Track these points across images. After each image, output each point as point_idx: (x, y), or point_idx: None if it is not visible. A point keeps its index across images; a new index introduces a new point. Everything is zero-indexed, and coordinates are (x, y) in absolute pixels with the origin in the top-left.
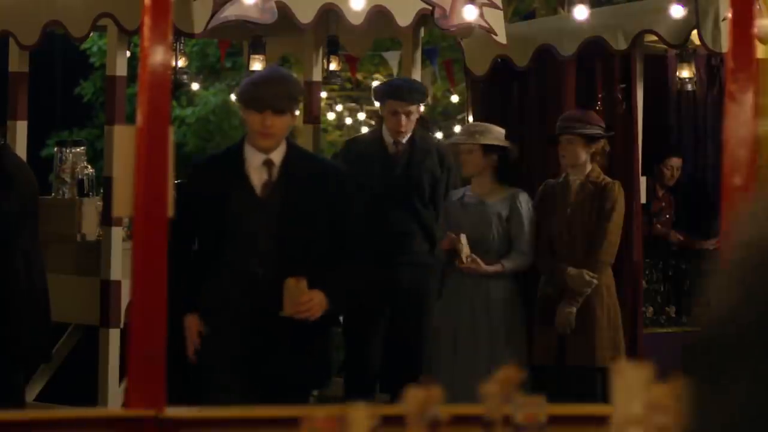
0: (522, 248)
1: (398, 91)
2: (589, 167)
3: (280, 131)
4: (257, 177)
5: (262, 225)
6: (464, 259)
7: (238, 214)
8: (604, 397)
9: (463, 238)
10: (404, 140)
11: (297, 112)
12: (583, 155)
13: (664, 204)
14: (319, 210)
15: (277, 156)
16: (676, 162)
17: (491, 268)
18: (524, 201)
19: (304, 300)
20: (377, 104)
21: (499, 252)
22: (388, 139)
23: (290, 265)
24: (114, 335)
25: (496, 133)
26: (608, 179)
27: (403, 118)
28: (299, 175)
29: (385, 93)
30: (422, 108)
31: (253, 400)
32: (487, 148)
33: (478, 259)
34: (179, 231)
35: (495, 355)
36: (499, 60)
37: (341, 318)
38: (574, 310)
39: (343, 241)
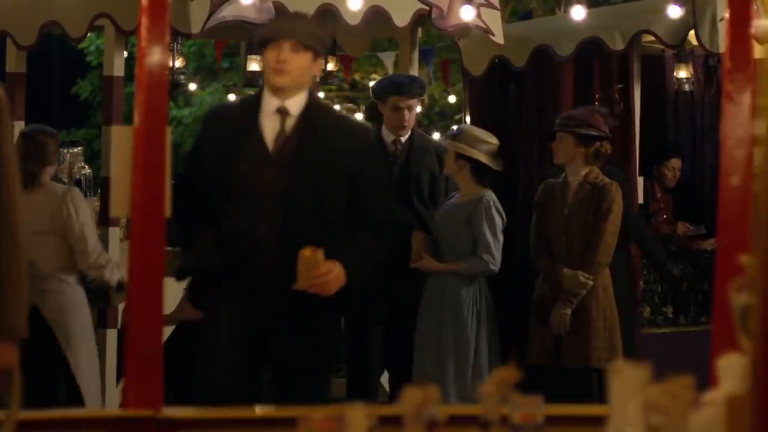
0: (480, 252)
1: (400, 87)
2: (586, 168)
3: (296, 70)
4: (270, 126)
5: (270, 182)
6: (413, 258)
7: (245, 168)
8: (599, 399)
9: (418, 237)
10: (403, 139)
11: (321, 60)
12: (573, 154)
13: (662, 205)
14: (337, 171)
15: (294, 105)
16: (676, 163)
17: (440, 266)
18: (487, 205)
19: (320, 273)
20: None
21: (463, 254)
22: (387, 137)
23: (298, 231)
24: (111, 335)
25: (476, 143)
26: (606, 180)
27: (406, 112)
28: (317, 129)
29: (386, 89)
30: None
31: (259, 380)
32: (459, 154)
33: (427, 257)
34: (181, 184)
35: (439, 353)
36: (497, 60)
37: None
38: (569, 311)
39: (366, 210)
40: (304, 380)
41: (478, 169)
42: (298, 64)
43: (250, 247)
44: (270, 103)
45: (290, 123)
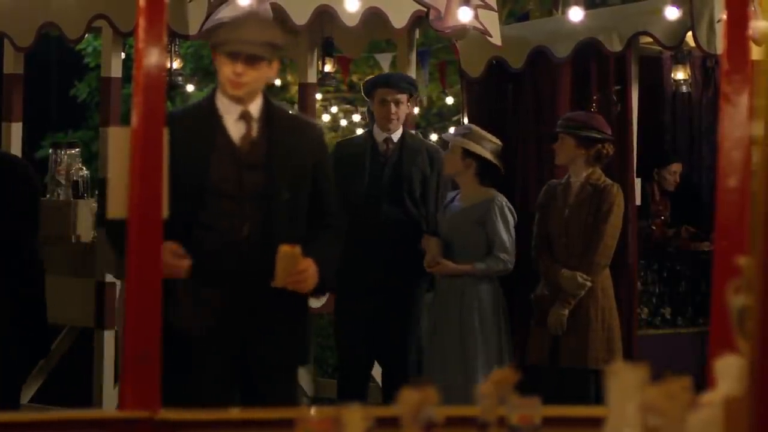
0: (496, 252)
1: (386, 79)
2: (588, 169)
3: (252, 81)
4: (236, 131)
5: (246, 185)
6: (427, 262)
7: (220, 173)
8: (596, 399)
9: (432, 241)
10: (395, 138)
11: (276, 64)
12: (574, 156)
13: (660, 207)
14: (303, 169)
15: (255, 109)
16: (677, 168)
17: (458, 268)
18: (500, 205)
19: (300, 269)
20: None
21: (476, 255)
22: (378, 137)
23: (276, 229)
24: (109, 337)
25: (484, 141)
26: (608, 181)
27: (392, 106)
28: (280, 130)
29: (373, 83)
30: (415, 108)
31: (234, 376)
32: (467, 152)
33: (444, 261)
34: None
35: (465, 357)
36: (494, 62)
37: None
38: (566, 312)
39: (324, 206)
40: (279, 379)
41: (484, 169)
42: (254, 75)
43: (231, 249)
44: (231, 109)
45: (255, 126)
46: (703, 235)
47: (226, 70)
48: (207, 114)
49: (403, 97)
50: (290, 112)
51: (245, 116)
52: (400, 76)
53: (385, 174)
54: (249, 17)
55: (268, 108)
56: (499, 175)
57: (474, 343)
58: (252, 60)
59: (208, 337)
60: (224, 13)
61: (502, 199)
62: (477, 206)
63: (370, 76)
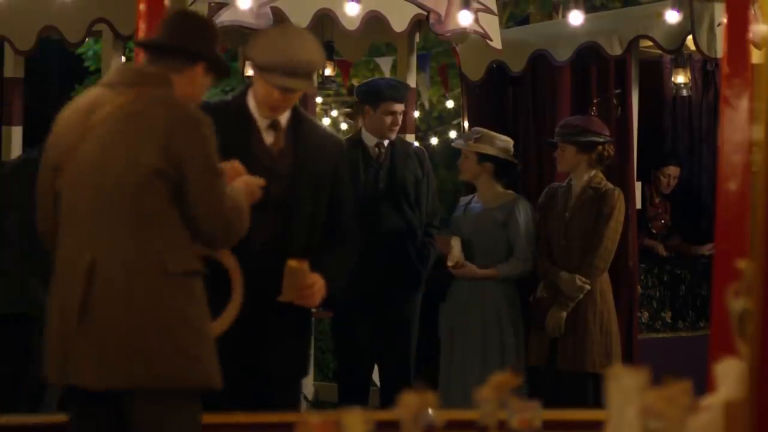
0: (518, 255)
1: (395, 92)
2: (590, 173)
3: (291, 103)
4: (266, 138)
5: (269, 194)
6: (450, 262)
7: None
8: (594, 402)
9: (455, 241)
10: (386, 142)
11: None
12: (576, 162)
13: (660, 210)
14: (324, 182)
15: (284, 119)
16: (673, 171)
17: (483, 272)
18: (523, 208)
19: (307, 285)
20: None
21: (498, 258)
22: (369, 141)
23: (293, 239)
24: None
25: (496, 141)
26: (609, 185)
27: (399, 117)
28: (306, 141)
29: (381, 95)
30: (415, 111)
31: (244, 385)
32: (483, 156)
33: (468, 264)
34: None
35: (487, 359)
36: (494, 65)
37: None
38: (564, 314)
39: (341, 219)
40: (287, 388)
41: (501, 169)
42: (295, 99)
43: (244, 256)
44: (261, 117)
45: (282, 136)
46: (687, 240)
47: (269, 95)
48: (240, 117)
49: (403, 105)
50: (316, 122)
51: (275, 125)
52: (404, 85)
53: (380, 178)
54: (293, 37)
55: (296, 118)
56: (517, 172)
57: (495, 346)
58: (296, 91)
59: (219, 342)
60: (226, 17)
61: (527, 202)
62: (501, 207)
63: (367, 81)
